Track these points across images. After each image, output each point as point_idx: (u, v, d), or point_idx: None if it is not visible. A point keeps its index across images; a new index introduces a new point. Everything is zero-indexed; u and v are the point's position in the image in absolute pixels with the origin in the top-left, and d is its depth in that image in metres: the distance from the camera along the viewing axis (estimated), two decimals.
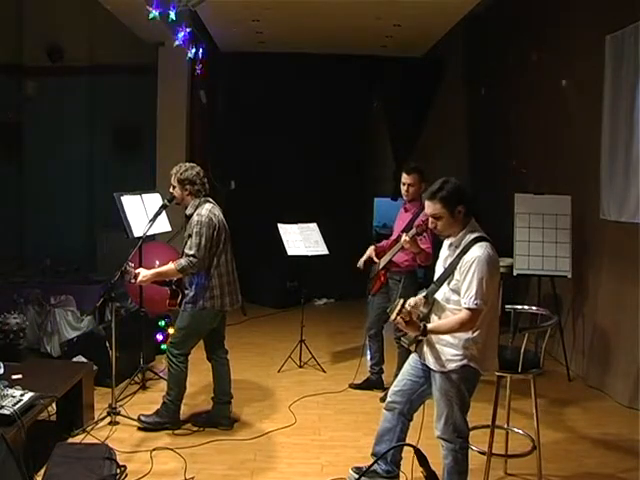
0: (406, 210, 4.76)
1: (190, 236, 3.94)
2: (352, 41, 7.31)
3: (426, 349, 3.05)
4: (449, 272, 2.96)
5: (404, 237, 4.30)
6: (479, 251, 2.87)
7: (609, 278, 5.03)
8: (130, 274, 3.98)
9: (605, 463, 3.82)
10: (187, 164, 4.16)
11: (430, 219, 3.02)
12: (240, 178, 8.09)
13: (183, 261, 3.90)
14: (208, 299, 4.00)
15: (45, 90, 7.93)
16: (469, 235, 2.95)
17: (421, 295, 3.04)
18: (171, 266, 3.93)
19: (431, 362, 3.03)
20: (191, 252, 3.90)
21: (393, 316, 2.85)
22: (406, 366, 3.25)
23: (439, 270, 3.09)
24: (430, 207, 2.97)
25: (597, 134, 5.02)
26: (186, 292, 4.06)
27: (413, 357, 3.21)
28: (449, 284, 2.96)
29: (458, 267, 2.91)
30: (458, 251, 2.95)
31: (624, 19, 4.61)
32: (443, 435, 3.02)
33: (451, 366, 2.95)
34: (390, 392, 3.30)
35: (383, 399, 4.75)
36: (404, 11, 6.09)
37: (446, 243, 3.10)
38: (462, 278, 2.88)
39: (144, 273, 3.99)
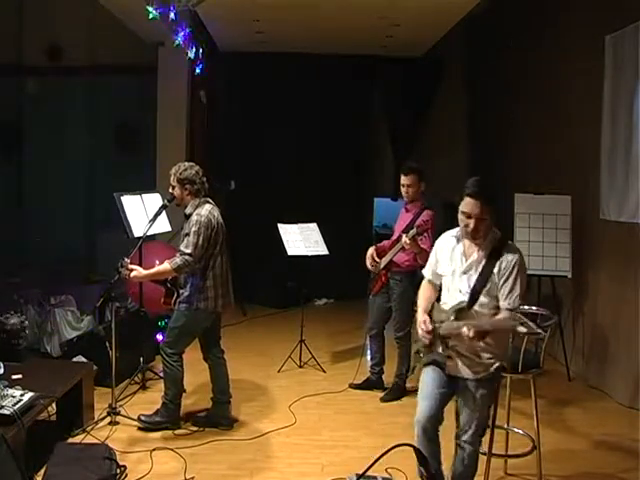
0: (407, 210, 4.77)
1: (187, 235, 3.94)
2: (352, 41, 7.31)
3: (456, 360, 2.88)
4: (485, 281, 2.80)
5: (404, 238, 4.31)
6: (516, 252, 2.82)
7: (609, 278, 5.03)
8: (124, 271, 3.96)
9: (605, 463, 3.82)
10: (186, 164, 4.16)
11: (473, 221, 2.77)
12: (240, 178, 8.10)
13: (178, 259, 3.90)
14: (202, 300, 4.00)
15: (45, 90, 7.93)
16: (493, 238, 2.85)
17: (451, 318, 2.84)
18: (166, 266, 3.93)
19: (465, 372, 2.88)
20: (188, 250, 3.90)
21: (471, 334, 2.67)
22: (428, 388, 2.95)
23: (459, 282, 2.88)
24: (478, 208, 2.74)
25: (597, 134, 5.01)
26: (181, 292, 4.07)
27: (430, 375, 2.96)
28: (488, 292, 2.81)
29: (495, 272, 2.79)
30: (487, 253, 2.82)
31: (624, 19, 4.61)
32: (471, 439, 2.92)
33: (489, 369, 2.87)
34: (421, 419, 2.90)
35: (383, 399, 4.78)
36: (404, 11, 6.09)
37: (459, 251, 2.91)
38: (503, 281, 2.78)
39: (137, 272, 3.98)
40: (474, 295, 2.82)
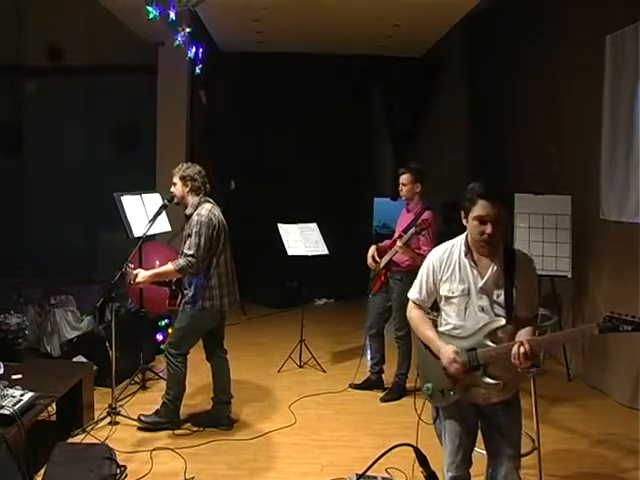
0: (408, 211, 4.78)
1: (189, 236, 3.94)
2: (352, 41, 7.32)
3: (491, 384, 2.57)
4: (511, 293, 2.53)
5: (398, 242, 4.36)
6: (529, 257, 2.62)
7: (609, 278, 5.03)
8: (130, 276, 3.98)
9: (605, 463, 3.82)
10: (189, 163, 4.21)
11: (490, 225, 2.49)
12: (240, 178, 8.11)
13: (182, 261, 3.91)
14: (207, 299, 4.00)
15: (45, 90, 7.93)
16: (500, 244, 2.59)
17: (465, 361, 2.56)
18: (170, 266, 3.93)
19: (500, 395, 2.60)
20: (190, 252, 3.90)
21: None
22: (455, 434, 2.67)
23: (479, 299, 2.56)
24: (495, 209, 2.48)
25: (597, 134, 5.02)
26: (185, 292, 4.07)
27: (451, 415, 2.68)
28: (515, 309, 2.56)
29: (516, 287, 2.53)
30: (502, 267, 2.55)
31: (624, 19, 4.62)
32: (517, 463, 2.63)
33: (521, 379, 2.72)
34: (452, 467, 2.69)
35: (383, 399, 4.78)
36: (404, 11, 6.10)
37: (468, 266, 2.59)
38: (527, 290, 2.56)
39: (142, 274, 3.99)
40: (510, 310, 2.54)
